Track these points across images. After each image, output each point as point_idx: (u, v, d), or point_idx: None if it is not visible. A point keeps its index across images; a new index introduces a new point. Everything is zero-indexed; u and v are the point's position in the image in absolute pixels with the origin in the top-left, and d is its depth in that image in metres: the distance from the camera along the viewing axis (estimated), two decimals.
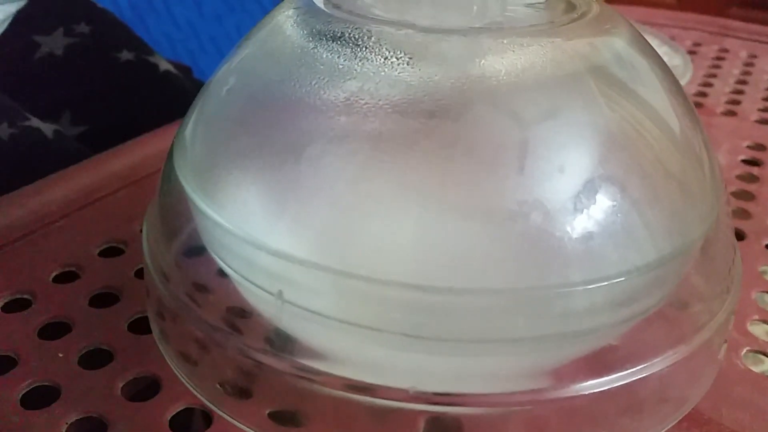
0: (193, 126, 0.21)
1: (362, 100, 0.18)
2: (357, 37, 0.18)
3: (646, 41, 0.22)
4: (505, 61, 0.17)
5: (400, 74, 0.17)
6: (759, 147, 0.42)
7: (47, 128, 0.39)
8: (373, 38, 0.18)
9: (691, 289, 0.22)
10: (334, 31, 0.18)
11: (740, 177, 0.39)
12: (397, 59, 0.18)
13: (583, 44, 0.19)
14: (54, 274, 0.28)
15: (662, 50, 0.50)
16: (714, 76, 0.53)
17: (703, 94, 0.50)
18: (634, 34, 0.21)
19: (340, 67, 0.18)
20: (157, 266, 0.21)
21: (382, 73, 0.18)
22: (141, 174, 0.34)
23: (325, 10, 0.19)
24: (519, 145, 0.18)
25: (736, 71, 0.54)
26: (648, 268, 0.19)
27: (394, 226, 0.17)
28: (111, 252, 0.30)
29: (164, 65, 0.49)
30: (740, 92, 0.50)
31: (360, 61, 0.18)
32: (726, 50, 0.58)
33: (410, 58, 0.18)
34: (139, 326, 0.26)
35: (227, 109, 0.20)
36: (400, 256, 0.17)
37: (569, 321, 0.18)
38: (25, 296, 0.27)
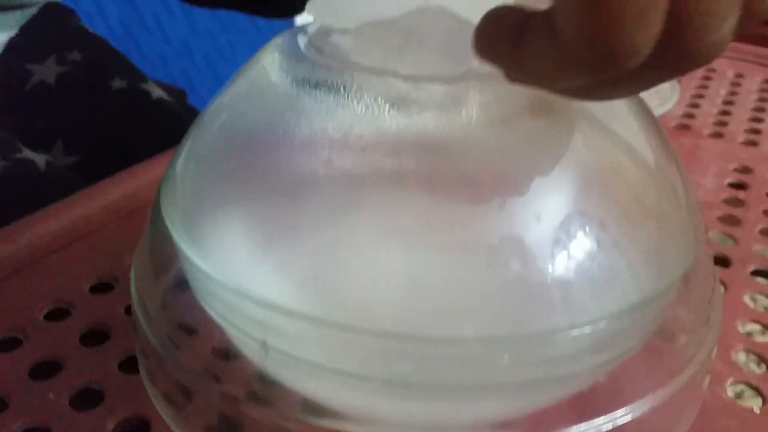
0: (179, 169, 0.21)
1: (345, 148, 0.18)
2: (339, 84, 0.18)
3: None
4: (485, 108, 0.18)
5: (382, 122, 0.18)
6: (745, 170, 0.43)
7: (40, 159, 0.39)
8: (355, 86, 0.18)
9: (671, 323, 0.22)
10: (317, 79, 0.19)
11: (726, 201, 0.39)
12: (379, 107, 0.18)
13: None
14: (45, 311, 0.29)
15: None
16: (701, 96, 0.53)
17: (691, 116, 0.50)
18: None
19: (323, 115, 0.18)
20: (143, 307, 0.22)
21: (364, 121, 0.18)
22: (132, 206, 0.34)
23: (308, 55, 0.20)
24: (499, 190, 0.18)
25: (723, 91, 0.55)
26: (630, 311, 0.19)
27: (378, 272, 0.18)
28: (101, 288, 0.30)
29: (157, 92, 0.49)
30: (727, 113, 0.51)
31: (342, 108, 0.18)
32: (713, 69, 0.59)
33: (391, 106, 0.18)
34: (129, 365, 0.26)
35: (213, 154, 0.20)
36: (385, 302, 0.18)
37: (551, 366, 0.18)
38: (17, 335, 0.27)
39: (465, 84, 0.18)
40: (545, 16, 0.14)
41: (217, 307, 0.19)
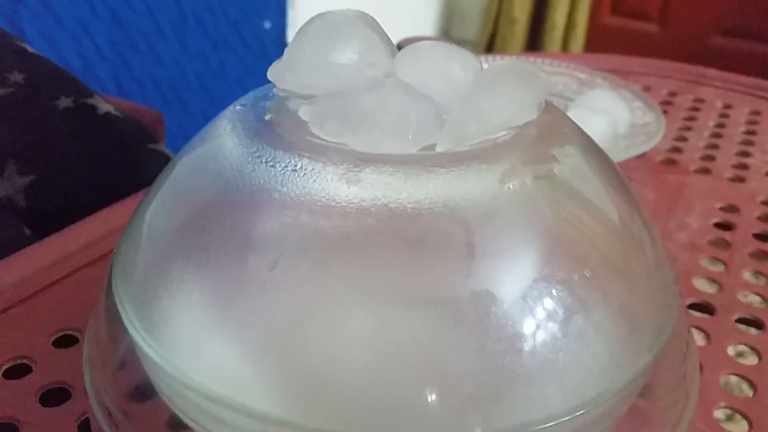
0: (131, 245, 0.20)
1: (296, 231, 0.17)
2: (295, 162, 0.18)
3: (594, 145, 0.21)
4: (442, 189, 0.17)
5: (337, 202, 0.17)
6: (732, 209, 0.42)
7: None
8: (310, 164, 0.18)
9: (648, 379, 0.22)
10: (273, 155, 0.18)
11: (712, 243, 0.39)
12: (333, 184, 0.17)
13: (523, 159, 0.18)
14: (5, 367, 0.28)
15: (635, 105, 0.50)
16: (689, 129, 0.53)
17: (678, 150, 0.49)
18: (581, 141, 0.21)
19: (277, 191, 0.18)
20: (93, 377, 0.21)
21: (319, 202, 0.17)
22: (95, 255, 0.33)
23: (266, 127, 0.19)
24: (465, 269, 0.17)
25: (711, 123, 0.54)
26: (610, 394, 0.18)
27: (328, 360, 0.17)
28: (65, 341, 0.29)
29: (104, 107, 0.49)
30: (715, 146, 0.50)
31: (297, 186, 0.17)
32: (701, 100, 0.58)
33: (347, 184, 0.17)
34: (89, 427, 0.25)
35: (163, 230, 0.19)
36: (335, 394, 0.17)
37: None
38: None
39: (423, 165, 0.17)
40: None
41: (165, 390, 0.18)
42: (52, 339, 0.29)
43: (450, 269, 0.17)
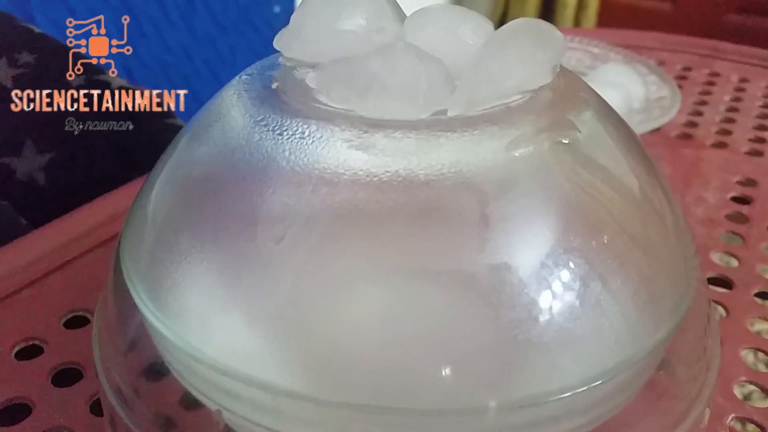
0: (138, 219, 0.20)
1: (305, 200, 0.17)
2: (302, 129, 0.17)
3: (613, 111, 0.21)
4: (455, 154, 0.16)
5: (346, 169, 0.17)
6: (749, 182, 0.41)
7: None
8: (318, 131, 0.17)
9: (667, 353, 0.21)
10: (280, 122, 0.17)
11: (729, 217, 0.38)
12: (342, 151, 0.17)
13: (538, 124, 0.18)
14: (17, 348, 0.28)
15: (650, 79, 0.49)
16: (704, 103, 0.52)
17: (693, 124, 0.49)
18: (598, 107, 0.20)
19: (286, 159, 0.17)
20: (103, 357, 0.21)
21: (327, 169, 0.17)
22: (108, 234, 0.33)
23: (272, 96, 0.19)
24: (478, 235, 0.17)
25: (727, 97, 0.53)
26: (627, 365, 0.18)
27: (342, 334, 0.16)
28: (76, 322, 0.29)
29: (117, 82, 0.48)
30: (731, 121, 0.49)
31: (305, 153, 0.17)
32: (717, 74, 0.57)
33: (356, 149, 0.17)
34: (101, 407, 0.25)
35: (171, 202, 0.19)
36: (353, 365, 0.16)
37: (540, 427, 0.17)
38: None
39: (434, 130, 0.17)
40: None
41: (175, 365, 0.18)
42: (64, 320, 0.29)
43: (464, 238, 0.16)
